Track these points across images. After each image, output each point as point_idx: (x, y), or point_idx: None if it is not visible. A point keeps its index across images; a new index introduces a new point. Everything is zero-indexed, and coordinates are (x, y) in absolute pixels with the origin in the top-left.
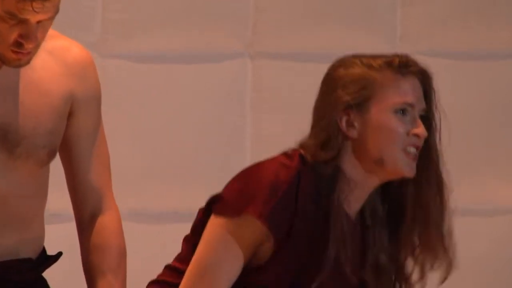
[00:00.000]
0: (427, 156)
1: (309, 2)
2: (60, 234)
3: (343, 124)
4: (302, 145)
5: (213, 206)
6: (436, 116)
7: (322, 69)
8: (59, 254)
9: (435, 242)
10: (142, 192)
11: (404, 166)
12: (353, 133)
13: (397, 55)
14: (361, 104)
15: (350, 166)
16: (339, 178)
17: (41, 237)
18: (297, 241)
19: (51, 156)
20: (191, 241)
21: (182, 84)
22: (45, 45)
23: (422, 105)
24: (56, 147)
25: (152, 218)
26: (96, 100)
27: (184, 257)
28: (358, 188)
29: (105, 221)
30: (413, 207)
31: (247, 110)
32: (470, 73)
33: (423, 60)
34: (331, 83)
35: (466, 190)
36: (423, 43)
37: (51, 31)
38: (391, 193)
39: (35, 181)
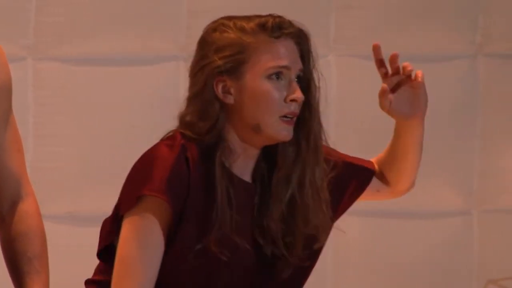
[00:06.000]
0: (307, 115)
1: (242, 4)
2: None
3: (219, 90)
4: (181, 120)
5: (118, 210)
6: (315, 76)
7: None
8: None
9: (310, 201)
10: (79, 194)
11: (280, 131)
12: (230, 100)
13: (271, 16)
14: (235, 70)
15: (231, 133)
16: (221, 146)
17: None
18: (191, 214)
19: None
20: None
21: (117, 86)
22: None
23: (298, 66)
24: None
25: (88, 221)
26: (9, 88)
27: (104, 269)
28: (242, 153)
29: (26, 208)
30: (291, 166)
31: None
32: None
33: (358, 63)
34: (205, 47)
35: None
36: (357, 46)
37: None
38: (272, 154)
39: None
